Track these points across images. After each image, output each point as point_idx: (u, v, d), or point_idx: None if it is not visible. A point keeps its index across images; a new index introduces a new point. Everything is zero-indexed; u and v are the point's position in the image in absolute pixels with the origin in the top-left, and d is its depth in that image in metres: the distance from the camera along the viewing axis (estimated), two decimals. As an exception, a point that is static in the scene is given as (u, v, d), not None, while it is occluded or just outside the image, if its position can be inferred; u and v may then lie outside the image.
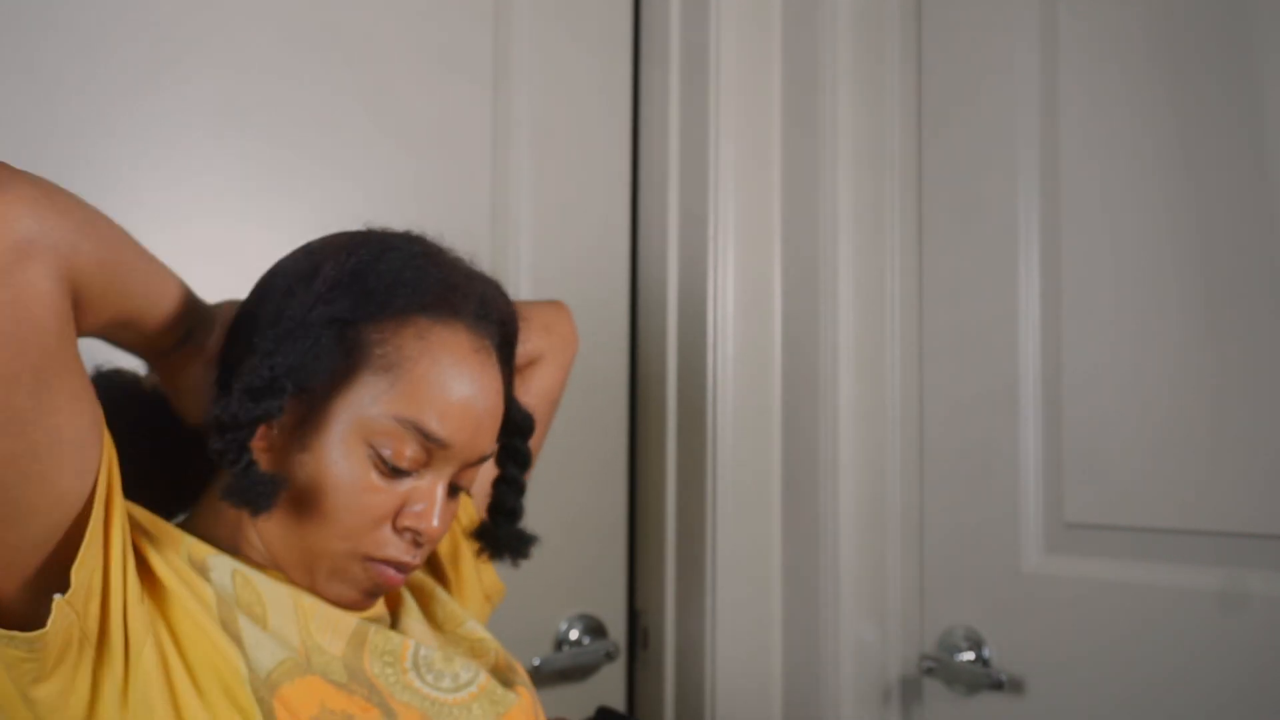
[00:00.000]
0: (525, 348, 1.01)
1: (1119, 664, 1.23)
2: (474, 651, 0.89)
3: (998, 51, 1.38)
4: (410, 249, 0.82)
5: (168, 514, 0.92)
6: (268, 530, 0.79)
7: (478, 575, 1.02)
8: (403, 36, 1.34)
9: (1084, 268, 1.29)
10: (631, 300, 1.55)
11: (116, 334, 0.76)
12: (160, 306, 0.75)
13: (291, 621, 0.77)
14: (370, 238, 0.83)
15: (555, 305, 1.09)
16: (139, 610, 0.70)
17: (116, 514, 0.69)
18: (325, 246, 0.83)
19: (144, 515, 0.77)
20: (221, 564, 0.77)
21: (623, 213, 1.55)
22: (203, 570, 0.76)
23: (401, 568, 0.80)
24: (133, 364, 0.89)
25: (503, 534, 0.95)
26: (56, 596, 0.65)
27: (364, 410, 0.77)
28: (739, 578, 1.44)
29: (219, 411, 0.74)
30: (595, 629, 1.47)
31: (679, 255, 1.50)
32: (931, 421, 1.43)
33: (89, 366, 0.83)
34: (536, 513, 1.43)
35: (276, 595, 0.77)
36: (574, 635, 1.45)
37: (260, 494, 0.74)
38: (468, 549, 1.00)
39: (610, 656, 1.47)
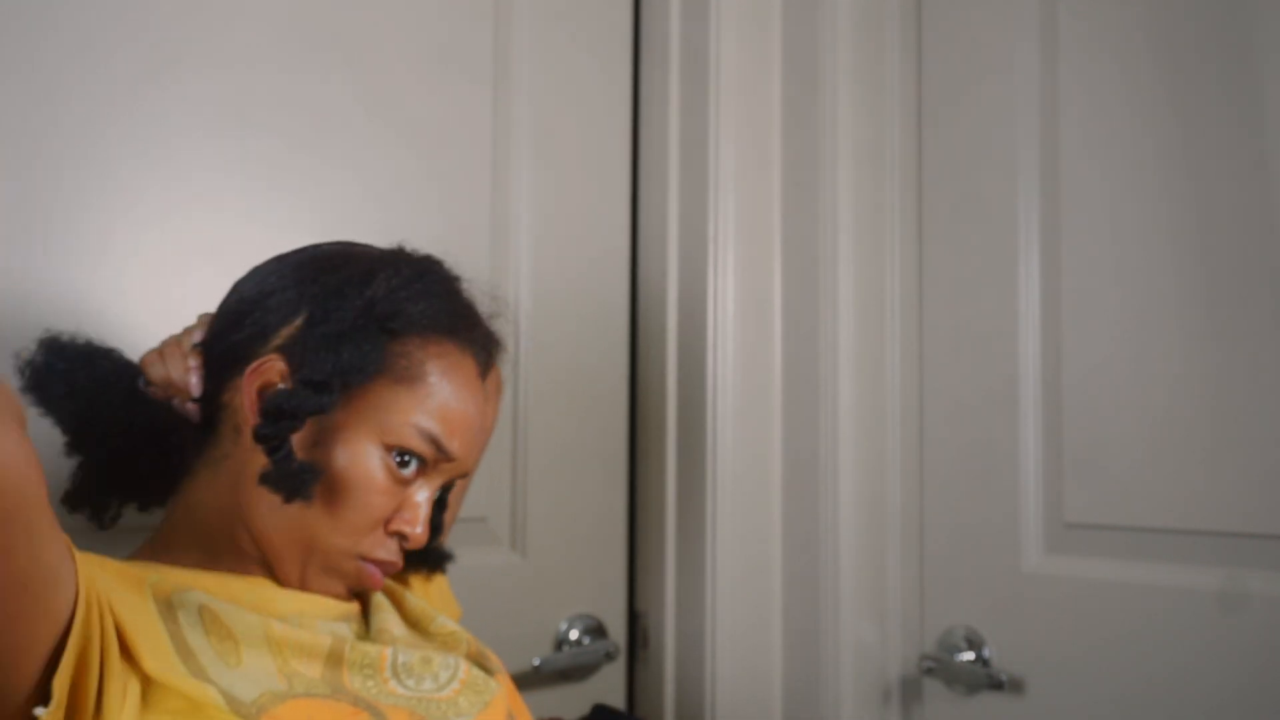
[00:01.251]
0: None
1: (1119, 664, 1.23)
2: (447, 645, 0.91)
3: (998, 51, 1.39)
4: (440, 274, 0.88)
5: (142, 502, 0.91)
6: (267, 520, 0.81)
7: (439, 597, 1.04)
8: (403, 36, 1.34)
9: (1084, 268, 1.29)
10: (631, 301, 1.55)
11: None
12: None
13: (265, 652, 0.77)
14: (409, 258, 0.88)
15: None
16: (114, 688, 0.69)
17: (94, 619, 0.69)
18: (362, 256, 0.87)
19: (106, 564, 0.77)
20: (189, 600, 0.77)
21: (623, 213, 1.55)
22: (168, 605, 0.76)
23: (387, 568, 0.85)
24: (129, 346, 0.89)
25: (427, 549, 0.97)
26: (39, 711, 0.65)
27: (383, 415, 0.81)
28: (739, 578, 1.44)
29: (281, 400, 0.77)
30: (595, 629, 1.47)
31: (679, 255, 1.50)
32: (931, 421, 1.43)
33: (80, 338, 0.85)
34: (537, 513, 1.43)
35: (247, 626, 0.77)
36: (574, 635, 1.45)
37: (301, 481, 0.77)
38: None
39: (610, 656, 1.46)
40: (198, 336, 0.86)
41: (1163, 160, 1.23)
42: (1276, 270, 1.15)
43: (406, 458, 0.82)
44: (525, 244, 1.44)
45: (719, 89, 1.47)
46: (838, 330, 1.43)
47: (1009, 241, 1.35)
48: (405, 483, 0.83)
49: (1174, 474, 1.20)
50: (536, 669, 1.38)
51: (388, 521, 0.83)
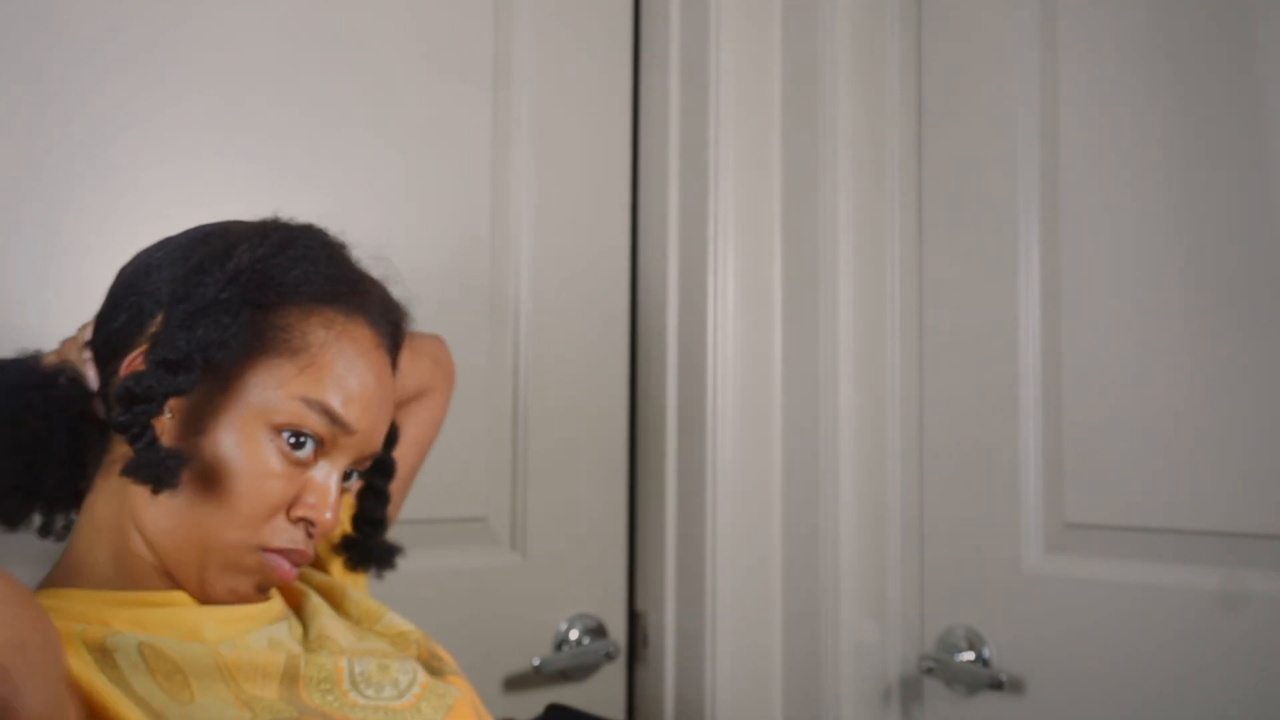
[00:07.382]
0: (421, 379, 1.03)
1: (1119, 664, 1.23)
2: (396, 645, 0.87)
3: (998, 51, 1.39)
4: (319, 239, 0.83)
5: (49, 510, 0.85)
6: (156, 524, 0.76)
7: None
8: (403, 36, 1.34)
9: (1084, 268, 1.29)
10: (631, 300, 1.55)
11: None
12: None
13: (216, 680, 0.73)
14: (280, 226, 0.83)
15: (439, 340, 1.10)
16: None
17: None
18: (235, 230, 0.82)
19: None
20: (124, 643, 0.72)
21: (623, 213, 1.55)
22: (103, 652, 0.71)
23: (295, 558, 0.79)
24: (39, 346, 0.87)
25: (370, 545, 0.94)
26: None
27: (267, 393, 0.76)
28: (739, 578, 1.44)
29: (131, 384, 0.72)
30: (595, 629, 1.47)
31: (679, 255, 1.50)
32: (931, 422, 1.43)
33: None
34: (537, 513, 1.43)
35: (193, 656, 0.73)
36: (574, 635, 1.45)
37: (166, 469, 0.71)
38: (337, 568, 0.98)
39: (610, 656, 1.46)
40: (89, 334, 0.82)
41: (1163, 160, 1.23)
42: (1276, 270, 1.15)
43: (300, 438, 0.76)
44: (525, 244, 1.44)
45: (719, 89, 1.47)
46: (838, 330, 1.43)
47: (1009, 242, 1.35)
48: (303, 465, 0.77)
49: (1174, 474, 1.20)
50: (536, 669, 1.38)
51: (290, 508, 0.77)
